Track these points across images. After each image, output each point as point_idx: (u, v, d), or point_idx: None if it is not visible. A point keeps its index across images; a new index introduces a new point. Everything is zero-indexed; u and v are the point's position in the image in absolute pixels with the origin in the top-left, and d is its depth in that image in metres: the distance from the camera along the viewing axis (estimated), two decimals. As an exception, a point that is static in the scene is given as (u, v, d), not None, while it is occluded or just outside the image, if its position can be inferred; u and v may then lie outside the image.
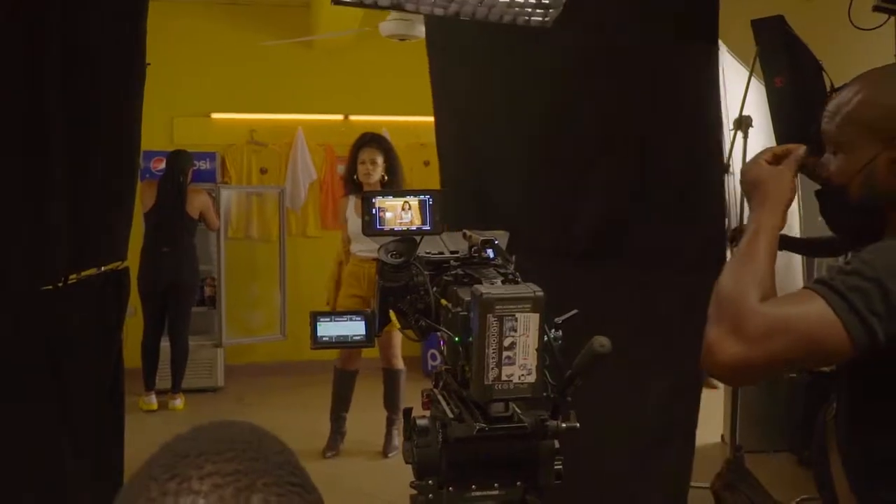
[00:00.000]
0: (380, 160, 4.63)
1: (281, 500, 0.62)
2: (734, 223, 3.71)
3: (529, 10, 2.37)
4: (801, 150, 1.47)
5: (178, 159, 5.72)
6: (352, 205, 4.73)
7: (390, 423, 4.82)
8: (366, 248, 4.64)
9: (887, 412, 1.31)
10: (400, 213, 1.62)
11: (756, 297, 1.26)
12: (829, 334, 1.20)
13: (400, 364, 4.75)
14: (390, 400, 4.79)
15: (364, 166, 4.62)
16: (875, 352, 1.21)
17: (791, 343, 1.21)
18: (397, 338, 4.63)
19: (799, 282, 4.62)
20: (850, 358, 1.23)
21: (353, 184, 4.72)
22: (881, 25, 3.04)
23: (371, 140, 4.72)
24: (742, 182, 1.50)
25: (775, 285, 1.30)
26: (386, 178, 4.64)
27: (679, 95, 2.78)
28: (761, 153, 1.50)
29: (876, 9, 2.96)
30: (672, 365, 2.72)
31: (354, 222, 4.68)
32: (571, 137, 2.94)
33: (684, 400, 2.87)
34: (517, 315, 1.29)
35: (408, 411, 1.56)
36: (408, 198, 1.63)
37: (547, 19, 2.40)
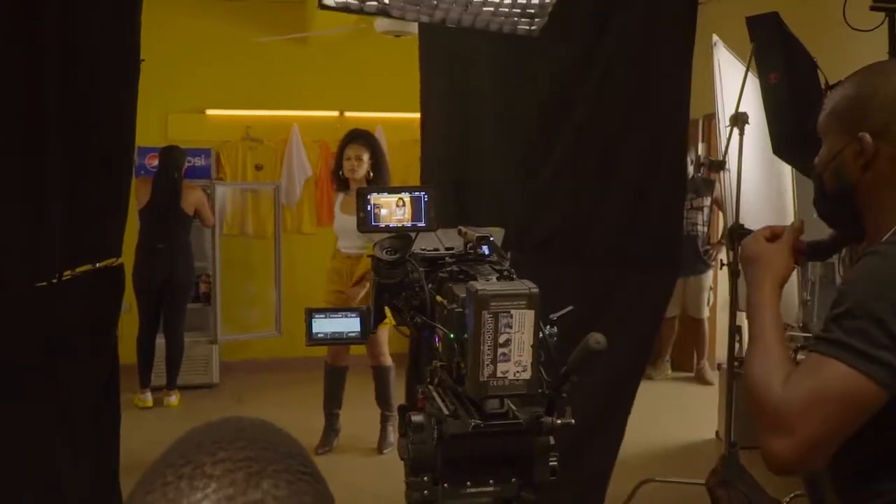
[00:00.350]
0: (365, 156, 4.64)
1: (291, 486, 0.64)
2: (730, 221, 3.72)
3: (515, 18, 2.39)
4: (796, 224, 1.52)
5: (172, 155, 5.71)
6: (339, 202, 4.74)
7: (384, 419, 4.83)
8: (350, 244, 4.66)
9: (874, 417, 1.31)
10: (394, 209, 1.62)
11: (779, 383, 1.27)
12: (855, 390, 1.21)
13: (388, 361, 4.76)
14: (382, 397, 4.79)
15: (349, 162, 4.63)
16: None
17: (827, 414, 1.21)
18: (383, 335, 4.64)
19: (793, 284, 4.62)
20: (887, 400, 1.23)
21: (339, 180, 4.73)
22: (878, 27, 3.04)
23: (357, 136, 4.73)
24: (741, 257, 1.54)
25: (789, 357, 1.33)
26: (371, 174, 4.65)
27: (650, 95, 2.82)
28: (761, 230, 1.54)
29: (873, 8, 2.96)
30: (611, 371, 2.76)
31: (340, 219, 4.70)
32: (551, 138, 2.98)
33: (619, 396, 2.93)
34: (512, 312, 1.29)
35: (403, 408, 1.56)
36: (402, 194, 1.63)
37: (533, 28, 2.43)
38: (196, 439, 0.68)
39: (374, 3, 2.23)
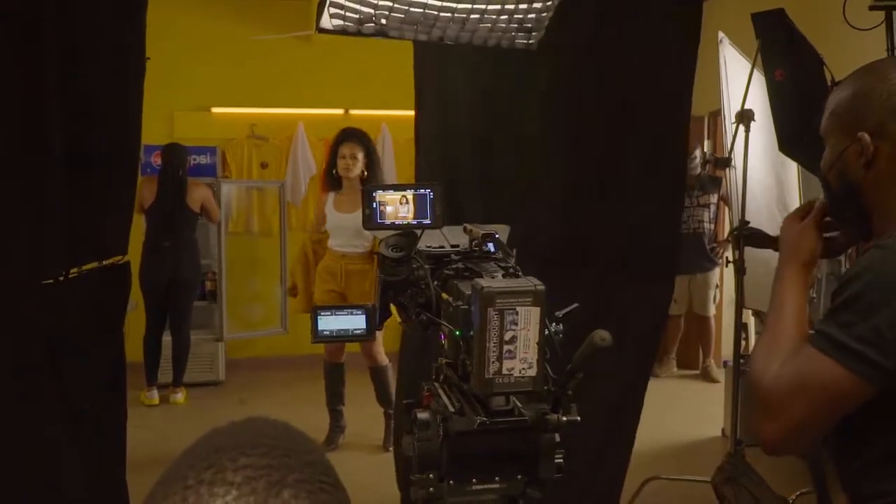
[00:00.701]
0: (360, 155, 4.63)
1: (311, 496, 0.65)
2: (735, 219, 3.71)
3: (512, 33, 2.40)
4: (819, 202, 1.52)
5: (175, 153, 5.71)
6: (331, 200, 4.71)
7: (388, 417, 4.82)
8: (345, 242, 4.65)
9: (874, 413, 1.31)
10: (398, 206, 1.62)
11: (776, 368, 1.31)
12: (836, 382, 1.25)
13: (384, 360, 4.74)
14: (383, 397, 4.78)
15: (344, 161, 4.61)
16: (893, 377, 1.24)
17: (809, 403, 1.27)
18: (378, 336, 4.61)
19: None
20: (875, 392, 1.26)
21: (332, 179, 4.71)
22: (878, 25, 3.03)
23: (351, 135, 4.70)
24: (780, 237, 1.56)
25: (799, 342, 1.35)
26: (366, 173, 4.64)
27: (651, 100, 2.81)
28: (798, 208, 1.56)
29: (872, 8, 2.95)
30: (619, 372, 2.76)
31: (334, 217, 4.67)
32: (550, 142, 2.97)
33: (627, 406, 2.94)
34: (518, 309, 1.29)
35: (409, 405, 1.57)
36: (407, 191, 1.63)
37: (531, 42, 2.43)
38: (218, 441, 0.68)
39: (372, 24, 2.23)
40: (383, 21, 2.23)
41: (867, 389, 1.24)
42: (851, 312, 1.25)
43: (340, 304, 1.73)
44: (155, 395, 5.69)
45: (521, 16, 2.34)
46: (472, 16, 2.30)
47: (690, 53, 2.80)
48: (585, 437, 2.75)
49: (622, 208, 2.89)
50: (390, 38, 2.34)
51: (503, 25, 2.37)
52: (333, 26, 2.20)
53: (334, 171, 4.67)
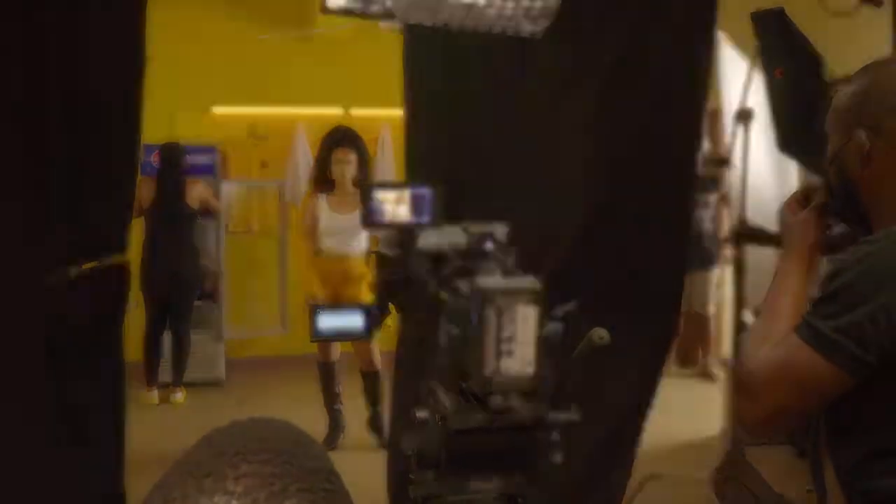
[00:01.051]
0: (354, 158, 4.62)
1: None
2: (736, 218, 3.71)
3: (519, 20, 2.40)
4: (819, 189, 1.53)
5: (173, 152, 5.73)
6: (323, 201, 4.70)
7: (376, 415, 4.82)
8: (343, 243, 4.64)
9: (863, 409, 1.32)
10: (397, 205, 1.62)
11: (764, 352, 1.33)
12: (813, 372, 1.27)
13: (378, 365, 4.74)
14: (371, 398, 4.79)
15: (339, 167, 4.61)
16: (873, 369, 1.25)
17: (787, 390, 1.30)
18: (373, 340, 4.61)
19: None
20: (854, 383, 1.27)
21: (325, 182, 4.68)
22: (854, 9, 3.06)
23: (344, 138, 4.68)
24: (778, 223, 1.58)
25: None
26: (358, 175, 4.63)
27: (656, 98, 2.79)
28: (795, 193, 1.58)
29: None
30: (626, 373, 2.76)
31: (330, 218, 4.65)
32: (546, 140, 2.96)
33: (634, 410, 2.96)
34: (517, 307, 1.30)
35: (407, 404, 1.57)
36: (405, 190, 1.63)
37: (538, 29, 2.43)
38: (219, 444, 0.67)
39: (378, 5, 2.23)
40: (389, 3, 2.23)
41: (846, 380, 1.26)
42: (836, 304, 1.27)
43: (339, 303, 1.73)
44: (155, 395, 5.69)
45: (527, 4, 2.35)
46: (479, 1, 2.30)
47: (702, 53, 2.77)
48: (590, 439, 2.74)
49: (626, 208, 2.87)
50: (396, 20, 2.34)
51: (509, 13, 2.37)
52: (340, 7, 2.21)
53: (328, 174, 4.66)
